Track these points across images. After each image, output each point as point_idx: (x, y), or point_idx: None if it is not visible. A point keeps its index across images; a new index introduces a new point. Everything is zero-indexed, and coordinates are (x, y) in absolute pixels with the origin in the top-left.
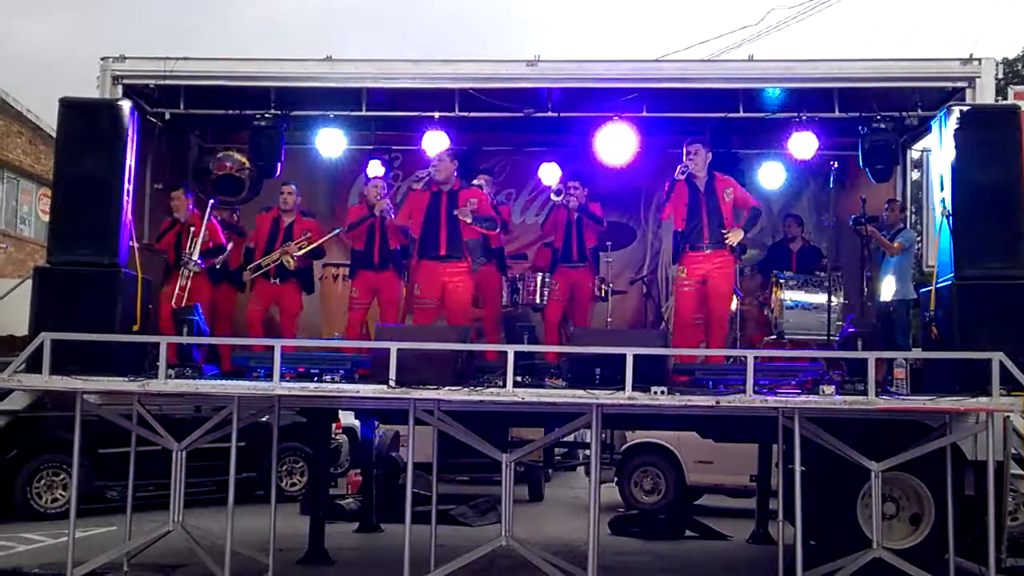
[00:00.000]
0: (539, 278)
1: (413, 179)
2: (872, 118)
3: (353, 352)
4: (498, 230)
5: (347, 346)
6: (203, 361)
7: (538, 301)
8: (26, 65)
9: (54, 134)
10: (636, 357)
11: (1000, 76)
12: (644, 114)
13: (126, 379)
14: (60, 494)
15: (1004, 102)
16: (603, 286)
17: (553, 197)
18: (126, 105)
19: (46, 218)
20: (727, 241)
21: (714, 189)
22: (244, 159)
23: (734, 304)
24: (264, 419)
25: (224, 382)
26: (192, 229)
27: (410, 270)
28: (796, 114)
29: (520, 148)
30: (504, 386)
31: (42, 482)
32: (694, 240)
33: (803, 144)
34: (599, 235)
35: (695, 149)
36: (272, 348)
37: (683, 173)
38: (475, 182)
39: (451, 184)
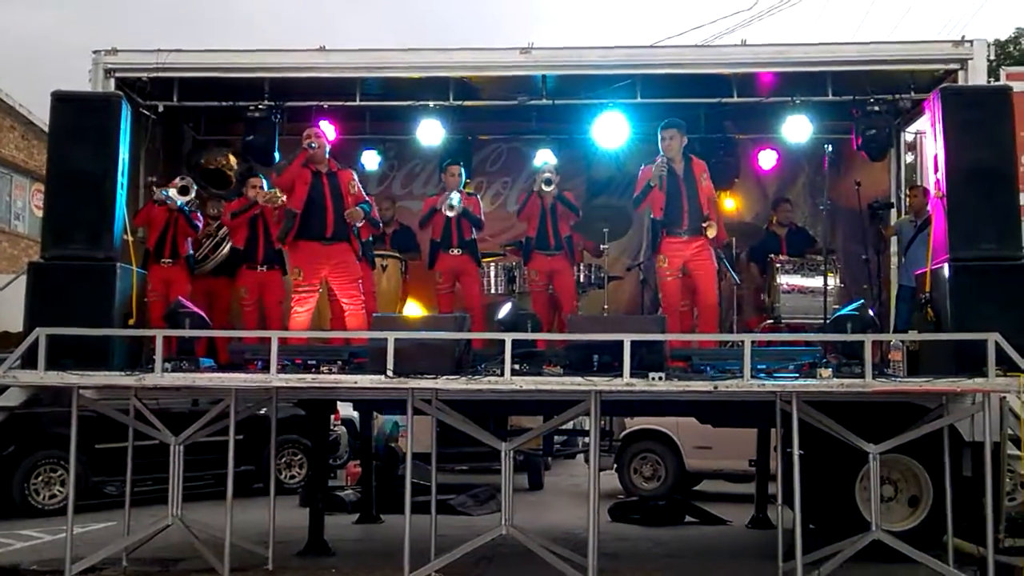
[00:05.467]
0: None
1: (307, 145)
2: (866, 101)
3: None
4: (375, 212)
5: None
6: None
7: (530, 290)
8: (15, 57)
9: (47, 128)
10: (634, 343)
11: (992, 58)
12: (638, 100)
13: (122, 374)
14: (58, 490)
15: (996, 83)
16: (597, 273)
17: (544, 188)
18: (119, 98)
19: (40, 213)
20: (705, 234)
21: (692, 174)
22: (235, 160)
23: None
24: (262, 411)
25: (221, 375)
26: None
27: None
28: (790, 98)
29: (515, 136)
30: (502, 374)
31: (39, 478)
32: (672, 226)
33: (797, 128)
34: (572, 224)
35: (671, 134)
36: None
37: (660, 179)
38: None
39: (327, 164)
